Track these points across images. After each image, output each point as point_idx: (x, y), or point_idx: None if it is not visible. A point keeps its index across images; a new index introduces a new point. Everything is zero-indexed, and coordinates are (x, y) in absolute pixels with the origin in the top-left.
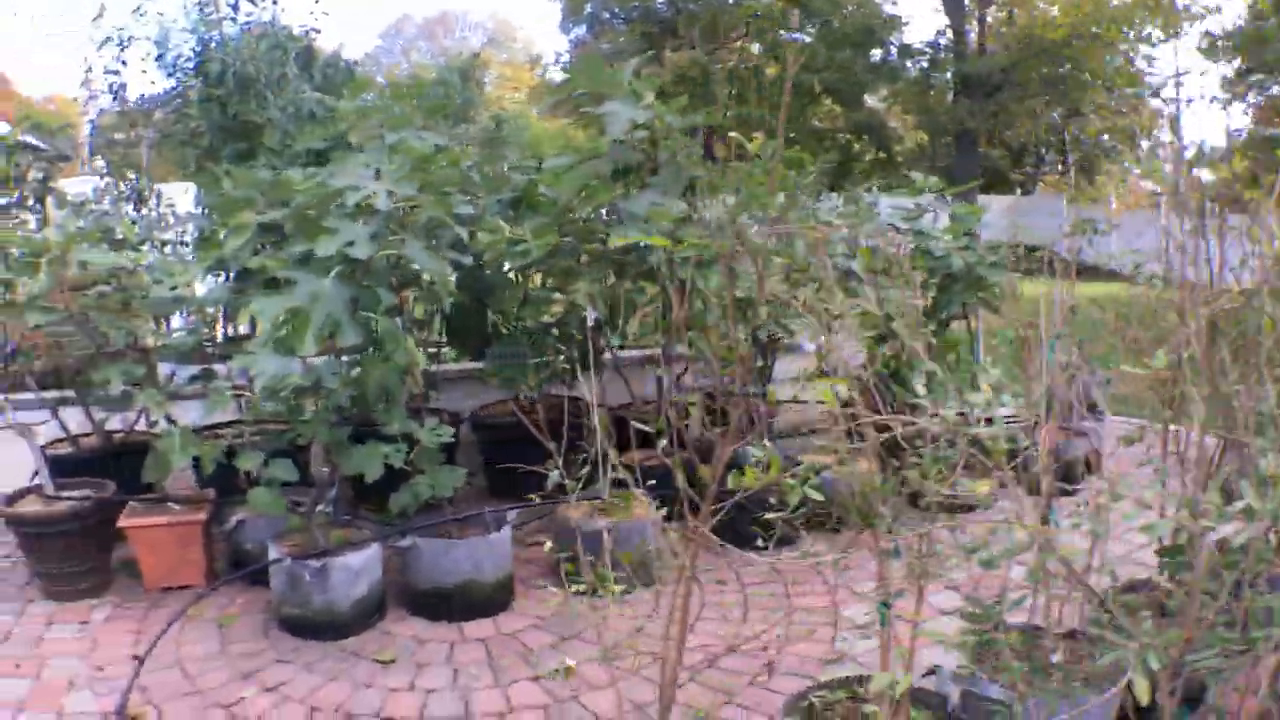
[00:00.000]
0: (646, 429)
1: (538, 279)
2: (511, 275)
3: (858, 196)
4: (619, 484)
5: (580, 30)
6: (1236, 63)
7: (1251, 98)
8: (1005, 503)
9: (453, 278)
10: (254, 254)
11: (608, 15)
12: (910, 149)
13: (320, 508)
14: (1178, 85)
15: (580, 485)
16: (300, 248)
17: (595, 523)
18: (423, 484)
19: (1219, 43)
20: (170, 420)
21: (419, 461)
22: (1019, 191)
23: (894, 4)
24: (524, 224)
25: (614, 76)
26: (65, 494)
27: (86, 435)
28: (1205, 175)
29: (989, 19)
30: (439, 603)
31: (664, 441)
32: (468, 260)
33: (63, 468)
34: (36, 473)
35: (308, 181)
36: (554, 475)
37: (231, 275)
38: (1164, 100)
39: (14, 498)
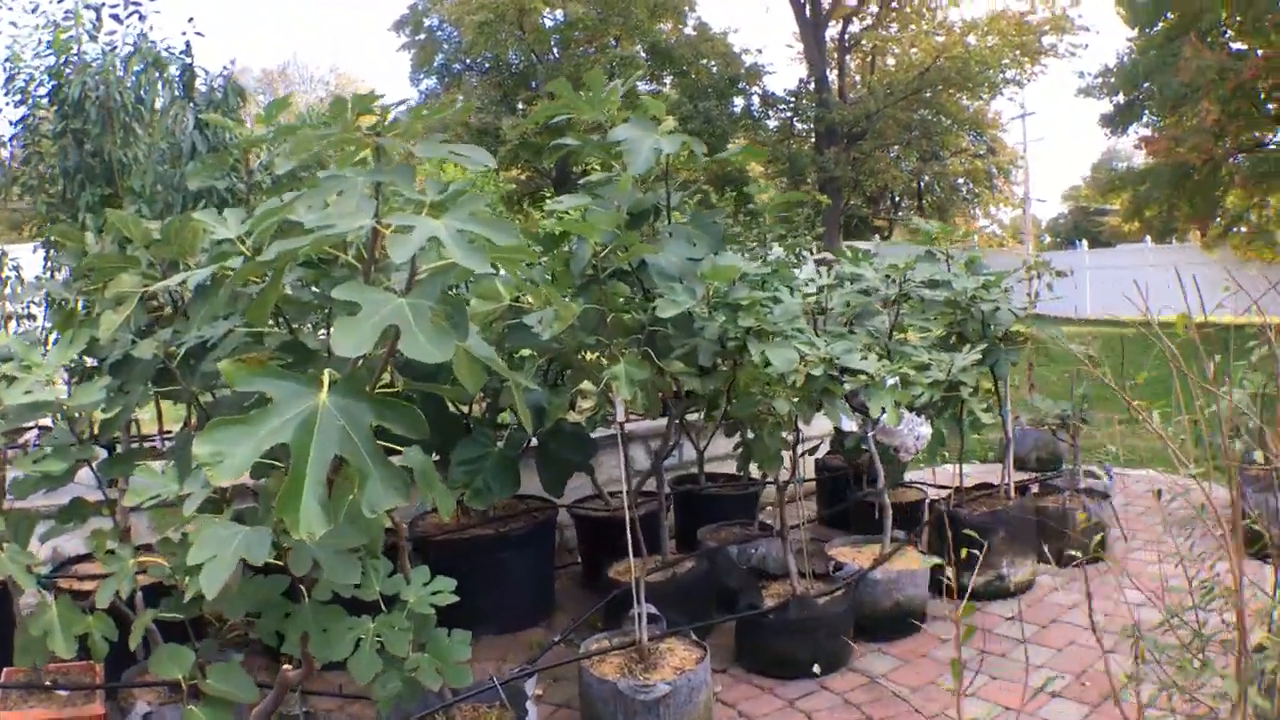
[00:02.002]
0: None
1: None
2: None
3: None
4: (652, 619)
5: (430, 82)
6: (1119, 98)
7: (1136, 131)
8: (1046, 578)
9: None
10: (139, 335)
11: (458, 67)
12: (772, 198)
13: (280, 710)
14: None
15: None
16: (215, 330)
17: (652, 688)
18: (426, 666)
19: (1097, 80)
20: (48, 587)
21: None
22: (878, 237)
23: (757, 53)
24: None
25: (608, 97)
26: None
27: None
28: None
29: (851, 66)
30: None
31: None
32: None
33: None
34: None
35: (266, 219)
36: None
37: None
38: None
39: None
